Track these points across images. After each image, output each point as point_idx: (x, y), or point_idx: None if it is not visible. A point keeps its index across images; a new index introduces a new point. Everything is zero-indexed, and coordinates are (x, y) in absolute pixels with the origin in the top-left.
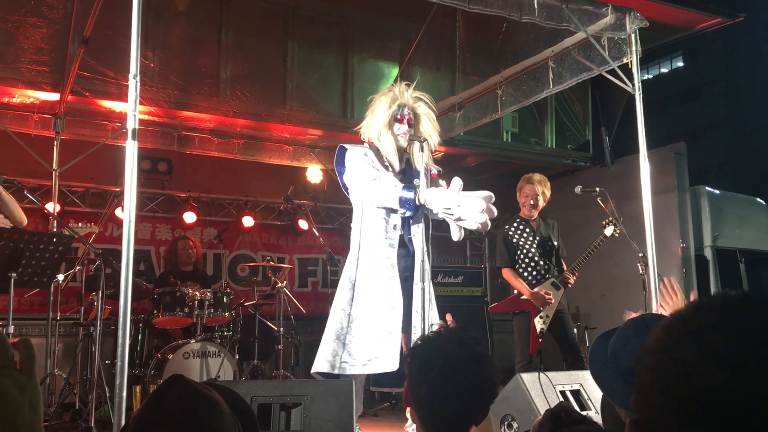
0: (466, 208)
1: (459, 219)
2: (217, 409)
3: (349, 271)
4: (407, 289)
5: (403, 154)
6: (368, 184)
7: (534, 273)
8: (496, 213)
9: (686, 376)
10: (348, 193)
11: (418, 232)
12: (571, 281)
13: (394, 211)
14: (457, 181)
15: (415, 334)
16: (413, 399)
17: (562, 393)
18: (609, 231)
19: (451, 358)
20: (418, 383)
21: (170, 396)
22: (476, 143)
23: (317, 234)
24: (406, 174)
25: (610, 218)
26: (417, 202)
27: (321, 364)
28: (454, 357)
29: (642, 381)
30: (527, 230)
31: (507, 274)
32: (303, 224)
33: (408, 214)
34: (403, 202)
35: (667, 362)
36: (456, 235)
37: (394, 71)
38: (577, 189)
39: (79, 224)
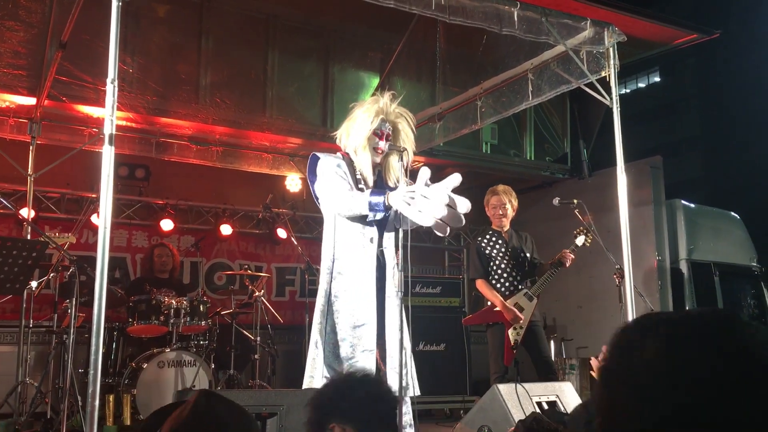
0: (430, 199)
1: (418, 210)
2: (254, 419)
3: (323, 285)
4: (380, 303)
5: (376, 167)
6: (339, 195)
7: (506, 284)
8: (464, 209)
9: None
10: (319, 203)
11: (390, 244)
12: (568, 257)
13: (369, 224)
14: (425, 171)
15: (390, 348)
16: None
17: (539, 404)
18: (580, 240)
19: (369, 381)
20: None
21: (213, 404)
22: (455, 154)
23: (295, 243)
24: (378, 188)
25: (582, 228)
26: (386, 202)
27: (306, 380)
28: (373, 380)
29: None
30: (499, 242)
31: (480, 285)
32: (281, 233)
33: (378, 216)
34: (372, 206)
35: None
36: (410, 223)
37: (375, 81)
38: (555, 201)
39: (56, 234)
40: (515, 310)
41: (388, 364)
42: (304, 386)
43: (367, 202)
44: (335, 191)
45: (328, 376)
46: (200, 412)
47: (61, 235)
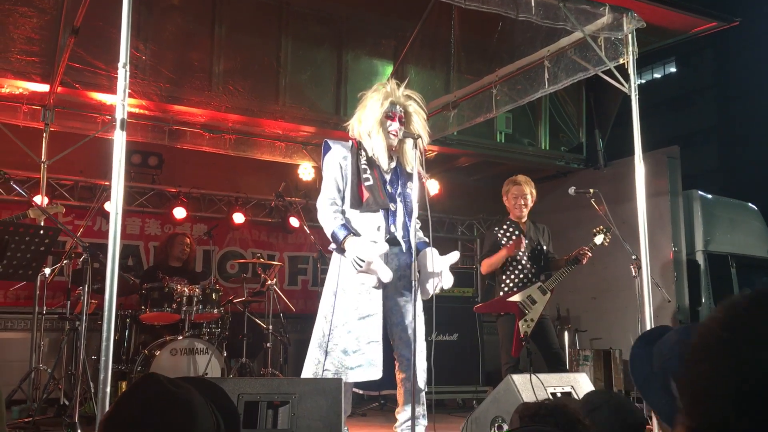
0: (372, 270)
1: (362, 272)
2: (188, 410)
3: (331, 276)
4: (404, 287)
5: (393, 152)
6: (321, 205)
7: (521, 276)
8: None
9: (745, 366)
10: None
11: (413, 230)
12: (586, 256)
13: (375, 211)
14: (383, 246)
15: (413, 331)
16: None
17: (554, 395)
18: (599, 239)
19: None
20: None
21: (139, 395)
22: (469, 143)
23: (308, 232)
24: (397, 173)
25: (601, 227)
26: (342, 246)
27: (306, 371)
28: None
29: (698, 389)
30: (516, 233)
31: (485, 263)
32: (294, 222)
33: (333, 247)
34: (333, 238)
35: (724, 360)
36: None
37: (388, 69)
38: (571, 190)
39: (56, 204)
40: (519, 239)
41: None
42: (306, 375)
43: (332, 231)
44: (321, 198)
45: (329, 369)
46: (122, 401)
47: (53, 204)
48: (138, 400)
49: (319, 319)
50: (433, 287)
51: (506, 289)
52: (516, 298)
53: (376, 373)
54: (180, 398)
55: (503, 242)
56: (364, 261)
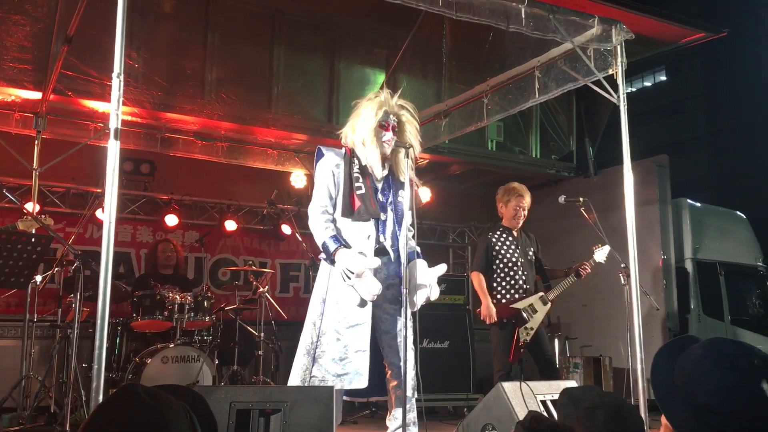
0: (361, 283)
1: (350, 284)
2: (161, 423)
3: (320, 283)
4: (393, 295)
5: (386, 160)
6: (314, 215)
7: (512, 283)
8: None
9: None
10: None
11: (403, 239)
12: (586, 271)
13: (366, 220)
14: (374, 261)
15: (404, 339)
16: None
17: (543, 403)
18: (599, 257)
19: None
20: None
21: (115, 407)
22: (461, 151)
23: (300, 239)
24: (389, 181)
25: (600, 244)
26: (332, 257)
27: (293, 378)
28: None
29: None
30: (510, 239)
31: (475, 277)
32: (286, 229)
33: (323, 257)
34: (324, 248)
35: None
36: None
37: (381, 78)
38: (561, 198)
39: (42, 216)
40: (493, 312)
41: (392, 362)
42: (293, 381)
43: (322, 241)
44: (312, 206)
45: (316, 375)
46: (98, 412)
47: (44, 217)
48: (113, 412)
49: (308, 326)
50: (420, 299)
51: (498, 296)
52: (518, 305)
53: (362, 382)
54: (154, 411)
55: (497, 248)
56: (353, 273)
